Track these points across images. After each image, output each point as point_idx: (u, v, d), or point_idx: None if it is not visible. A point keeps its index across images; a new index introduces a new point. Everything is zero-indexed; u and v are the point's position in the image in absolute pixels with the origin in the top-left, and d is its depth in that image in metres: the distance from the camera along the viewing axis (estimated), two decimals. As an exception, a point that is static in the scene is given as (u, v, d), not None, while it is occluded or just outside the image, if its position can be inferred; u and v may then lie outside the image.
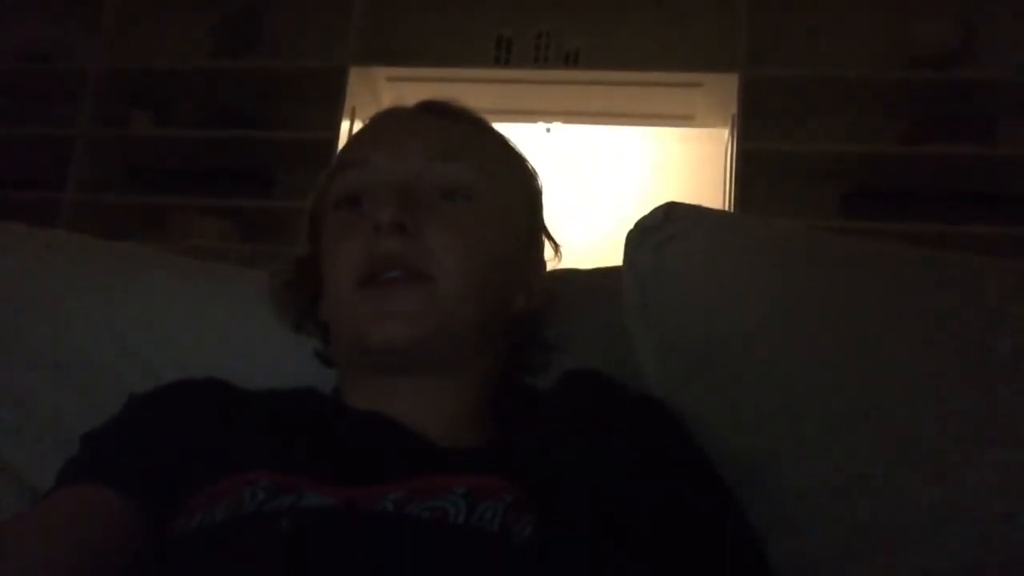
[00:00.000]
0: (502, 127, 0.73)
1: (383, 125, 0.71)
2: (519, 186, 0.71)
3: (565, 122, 3.20)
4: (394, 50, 3.02)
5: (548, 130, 3.22)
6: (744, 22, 2.72)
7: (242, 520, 0.51)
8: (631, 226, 0.71)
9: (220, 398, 0.66)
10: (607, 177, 3.28)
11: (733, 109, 2.73)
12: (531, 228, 0.72)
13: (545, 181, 0.74)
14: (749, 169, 2.64)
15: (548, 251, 0.74)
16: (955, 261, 0.66)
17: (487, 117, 0.73)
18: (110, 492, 0.54)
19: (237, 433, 0.60)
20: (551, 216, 0.74)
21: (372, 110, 2.93)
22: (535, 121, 3.15)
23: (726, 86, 2.73)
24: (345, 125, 2.89)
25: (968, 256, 0.66)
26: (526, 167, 0.73)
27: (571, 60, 2.92)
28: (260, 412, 0.63)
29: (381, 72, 2.97)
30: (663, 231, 0.68)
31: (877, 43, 2.77)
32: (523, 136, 0.76)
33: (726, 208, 2.72)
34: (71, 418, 0.73)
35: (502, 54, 2.97)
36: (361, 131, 0.72)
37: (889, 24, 2.76)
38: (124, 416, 0.63)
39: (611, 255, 0.75)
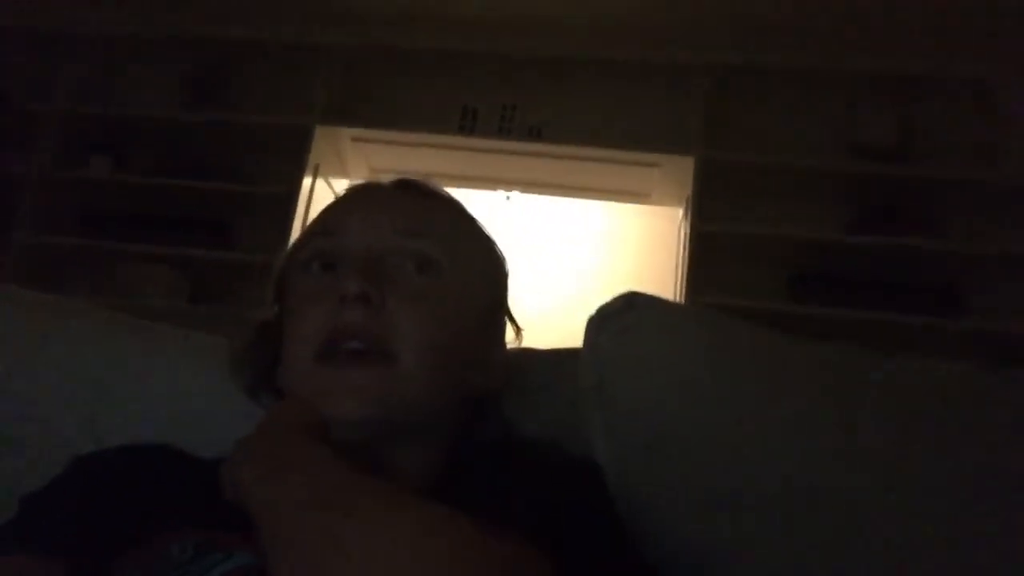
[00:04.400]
0: (463, 193, 0.75)
1: (357, 197, 0.72)
2: (485, 267, 0.72)
3: (525, 191, 3.26)
4: (361, 111, 3.07)
5: (508, 198, 3.28)
6: (701, 107, 2.84)
7: None
8: (587, 297, 0.73)
9: (165, 465, 0.65)
10: (563, 247, 3.35)
11: (688, 190, 2.82)
12: (494, 308, 0.72)
13: (503, 248, 0.75)
14: (700, 248, 2.71)
15: (509, 333, 0.74)
16: (895, 363, 0.69)
17: (449, 183, 0.75)
18: (46, 563, 0.54)
19: (177, 499, 0.60)
20: (509, 286, 0.75)
21: (335, 169, 2.95)
22: (496, 189, 3.21)
23: (682, 167, 2.83)
24: (307, 182, 2.90)
25: (912, 361, 0.70)
26: (494, 250, 0.74)
27: (534, 133, 2.99)
28: (204, 478, 0.62)
29: (346, 132, 3.01)
30: (623, 319, 0.70)
31: (826, 134, 2.90)
32: (483, 203, 0.77)
33: (677, 283, 2.79)
34: (15, 476, 0.72)
35: (467, 123, 3.03)
36: (336, 201, 0.73)
37: (838, 117, 2.90)
38: (65, 480, 0.62)
39: (564, 323, 0.77)
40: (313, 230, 0.69)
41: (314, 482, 0.50)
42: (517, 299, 0.76)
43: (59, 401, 0.78)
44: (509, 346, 0.74)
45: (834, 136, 2.88)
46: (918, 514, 0.59)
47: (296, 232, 2.36)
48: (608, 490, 0.63)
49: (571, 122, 2.99)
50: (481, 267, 0.71)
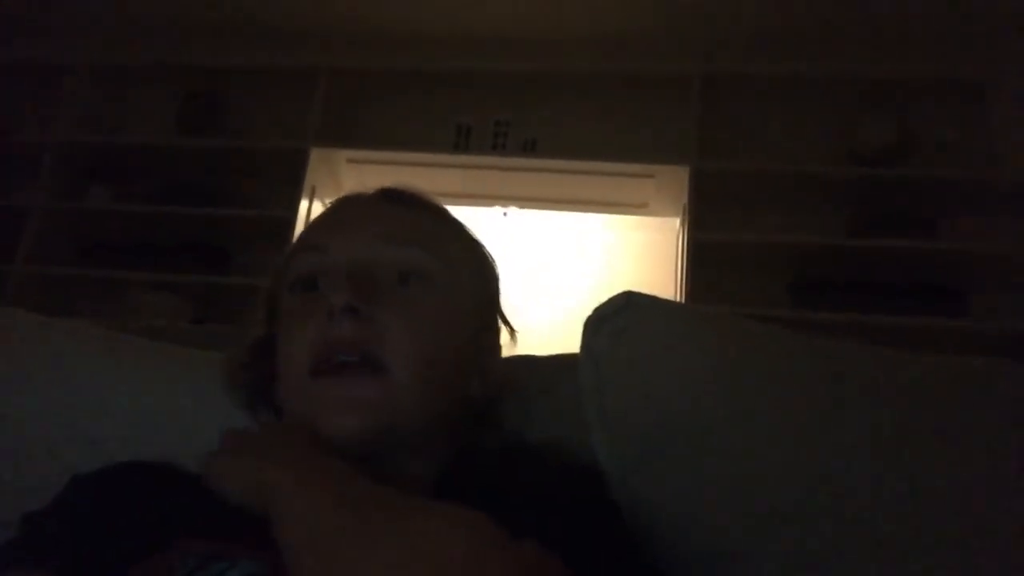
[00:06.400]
0: (460, 211, 0.75)
1: (341, 210, 0.72)
2: (475, 271, 0.72)
3: (522, 207, 3.26)
4: (356, 133, 3.08)
5: (505, 214, 3.28)
6: (695, 116, 2.84)
7: None
8: (587, 310, 0.72)
9: (166, 480, 0.65)
10: (562, 261, 3.34)
11: (684, 199, 2.82)
12: (486, 313, 0.72)
13: (502, 264, 0.75)
14: (699, 257, 2.71)
15: (505, 337, 0.74)
16: (899, 357, 0.69)
17: (445, 201, 0.75)
18: None
19: (179, 511, 0.60)
20: (508, 300, 0.75)
21: (332, 191, 2.95)
22: (492, 205, 3.21)
23: (678, 177, 2.83)
24: (304, 205, 2.91)
25: (916, 356, 0.69)
26: (483, 253, 0.74)
27: (528, 148, 3.00)
28: (204, 490, 0.62)
29: (342, 154, 3.02)
30: (620, 319, 0.69)
31: (822, 140, 2.90)
32: (480, 220, 0.77)
33: (677, 294, 2.78)
34: (14, 494, 0.72)
35: (461, 140, 3.04)
36: (320, 216, 0.73)
37: (833, 122, 2.90)
38: (66, 498, 0.62)
39: (566, 337, 0.77)
40: (299, 246, 0.69)
41: (345, 487, 0.50)
42: (518, 315, 0.76)
43: (58, 419, 0.78)
44: (506, 351, 0.74)
45: (831, 140, 2.88)
46: (928, 510, 0.59)
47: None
48: (611, 494, 0.63)
49: (565, 135, 3.00)
50: (470, 272, 0.71)
